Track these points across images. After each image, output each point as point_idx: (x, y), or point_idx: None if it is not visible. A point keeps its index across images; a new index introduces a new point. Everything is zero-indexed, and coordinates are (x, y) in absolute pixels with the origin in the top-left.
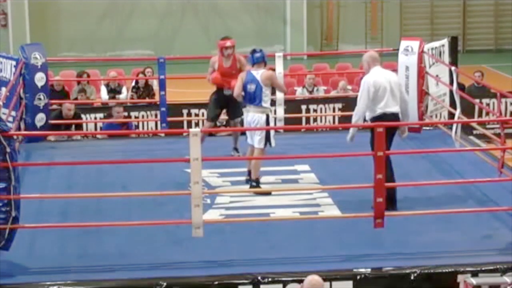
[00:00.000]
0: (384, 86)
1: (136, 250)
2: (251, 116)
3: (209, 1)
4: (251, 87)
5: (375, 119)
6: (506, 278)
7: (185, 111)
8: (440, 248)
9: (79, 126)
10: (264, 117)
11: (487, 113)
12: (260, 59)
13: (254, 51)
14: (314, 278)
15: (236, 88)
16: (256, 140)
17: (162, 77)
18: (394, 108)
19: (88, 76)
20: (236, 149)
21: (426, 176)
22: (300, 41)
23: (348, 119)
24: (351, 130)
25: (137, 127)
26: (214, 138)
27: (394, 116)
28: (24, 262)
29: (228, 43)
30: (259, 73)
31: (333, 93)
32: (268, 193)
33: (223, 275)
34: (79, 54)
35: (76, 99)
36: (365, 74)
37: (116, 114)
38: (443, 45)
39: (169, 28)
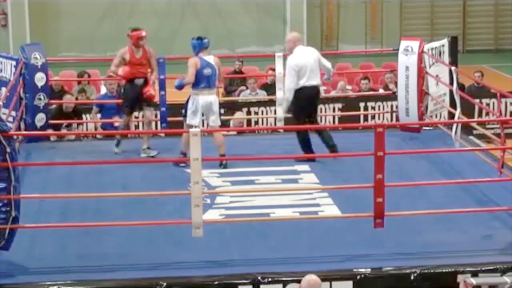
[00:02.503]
0: (305, 65)
1: (136, 250)
2: (207, 98)
3: (209, 1)
4: (208, 72)
5: (297, 91)
6: (506, 278)
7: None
8: (440, 248)
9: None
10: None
11: (487, 113)
12: (207, 45)
13: (199, 38)
14: (312, 278)
15: (191, 75)
16: (211, 119)
17: (162, 77)
18: (314, 81)
19: (88, 76)
20: (149, 148)
21: (426, 176)
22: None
23: (348, 119)
24: (285, 101)
25: (137, 127)
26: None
27: (314, 88)
28: (24, 262)
29: (144, 33)
30: (211, 58)
31: (333, 93)
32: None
33: (223, 275)
34: (79, 54)
35: (76, 99)
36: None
37: (108, 85)
38: (443, 45)
39: (169, 28)
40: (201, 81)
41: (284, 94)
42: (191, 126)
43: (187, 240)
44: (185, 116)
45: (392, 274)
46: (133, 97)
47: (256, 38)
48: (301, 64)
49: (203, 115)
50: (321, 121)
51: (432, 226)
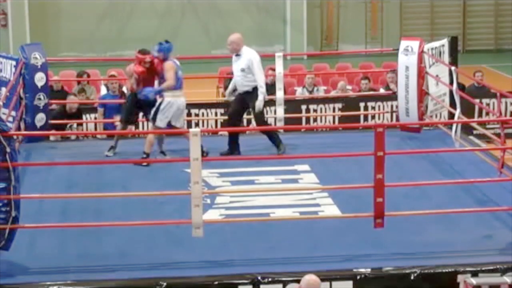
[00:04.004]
0: None
1: (136, 250)
2: (183, 100)
3: (209, 1)
4: (181, 74)
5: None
6: (506, 278)
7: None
8: (440, 248)
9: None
10: None
11: (487, 113)
12: (172, 48)
13: (167, 41)
14: (312, 278)
15: (172, 80)
16: (181, 121)
17: None
18: None
19: (88, 76)
20: (163, 152)
21: (426, 176)
22: (300, 41)
23: (348, 119)
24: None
25: (137, 127)
26: (214, 138)
27: None
28: (24, 262)
29: (148, 59)
30: (177, 61)
31: (333, 93)
32: None
33: (223, 275)
34: (79, 54)
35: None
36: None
37: (110, 85)
38: (443, 45)
39: (169, 28)
40: (177, 83)
41: (261, 88)
42: (159, 128)
43: (187, 240)
44: (154, 118)
45: (392, 274)
46: (134, 109)
47: (256, 38)
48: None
49: None
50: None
51: (432, 226)
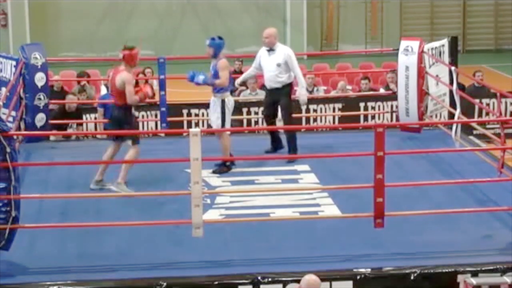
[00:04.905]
0: None
1: (136, 250)
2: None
3: (209, 1)
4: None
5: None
6: (506, 278)
7: (185, 111)
8: (440, 248)
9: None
10: None
11: (487, 113)
12: (224, 45)
13: (219, 38)
14: (312, 278)
15: (226, 79)
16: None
17: (162, 77)
18: None
19: (88, 76)
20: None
21: (426, 176)
22: (300, 41)
23: (348, 119)
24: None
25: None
26: (214, 138)
27: None
28: (24, 262)
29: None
30: None
31: (333, 93)
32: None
33: (223, 275)
34: (79, 54)
35: (77, 99)
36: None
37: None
38: (443, 45)
39: (169, 28)
40: (230, 84)
41: (303, 83)
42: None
43: (187, 240)
44: (223, 121)
45: (392, 274)
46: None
47: (256, 38)
48: None
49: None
50: (321, 121)
51: (432, 226)
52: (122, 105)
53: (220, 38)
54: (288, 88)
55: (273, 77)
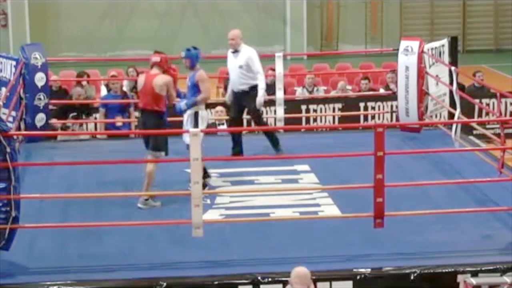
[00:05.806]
0: None
1: (136, 250)
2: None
3: (209, 1)
4: None
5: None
6: (506, 278)
7: None
8: (440, 248)
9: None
10: None
11: (487, 113)
12: (200, 56)
13: (194, 48)
14: (301, 269)
15: (209, 90)
16: None
17: None
18: None
19: (88, 76)
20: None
21: (426, 176)
22: (300, 41)
23: (348, 119)
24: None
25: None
26: (214, 138)
27: None
28: (24, 262)
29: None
30: None
31: (333, 93)
32: None
33: (223, 275)
34: (79, 54)
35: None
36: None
37: (112, 85)
38: (443, 45)
39: (169, 28)
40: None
41: (262, 84)
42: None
43: (187, 240)
44: None
45: (392, 274)
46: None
47: (256, 38)
48: None
49: None
50: (321, 121)
51: (432, 226)
52: (158, 111)
53: (195, 48)
54: (255, 90)
55: (236, 80)
